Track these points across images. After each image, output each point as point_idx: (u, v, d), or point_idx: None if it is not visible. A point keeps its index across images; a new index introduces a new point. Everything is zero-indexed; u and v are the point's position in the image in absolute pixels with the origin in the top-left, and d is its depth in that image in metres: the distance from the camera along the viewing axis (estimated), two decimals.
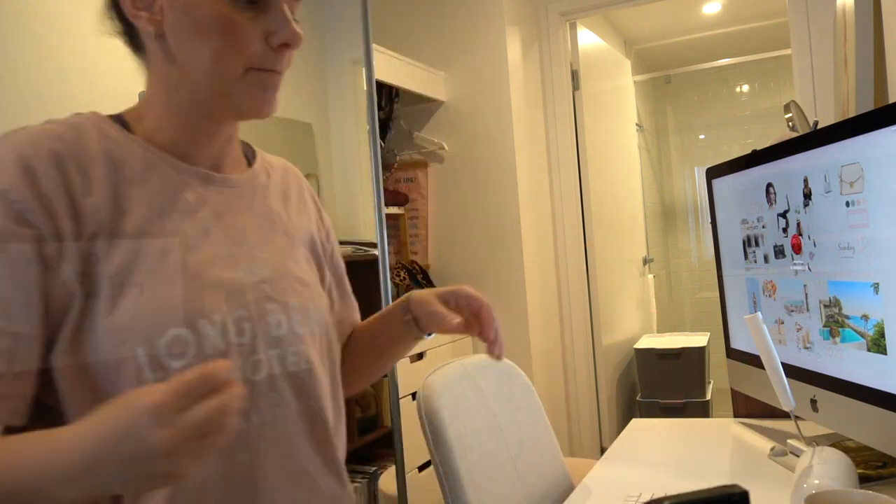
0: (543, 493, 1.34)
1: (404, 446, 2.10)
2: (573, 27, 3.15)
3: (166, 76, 0.73)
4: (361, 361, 0.98)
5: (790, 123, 1.45)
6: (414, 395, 2.23)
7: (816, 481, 0.84)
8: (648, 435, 1.40)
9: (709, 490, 0.62)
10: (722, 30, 4.39)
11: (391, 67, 2.58)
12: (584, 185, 3.12)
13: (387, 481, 1.91)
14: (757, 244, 1.24)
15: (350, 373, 0.93)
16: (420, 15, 2.98)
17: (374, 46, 2.21)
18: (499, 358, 0.87)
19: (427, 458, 2.22)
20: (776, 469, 1.12)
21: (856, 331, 0.98)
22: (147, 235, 0.68)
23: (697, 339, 3.37)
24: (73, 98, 1.62)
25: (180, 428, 0.51)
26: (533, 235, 2.93)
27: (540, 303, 2.95)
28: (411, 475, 2.23)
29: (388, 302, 2.05)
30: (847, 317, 1.00)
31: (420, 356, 2.46)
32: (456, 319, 0.84)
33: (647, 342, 3.44)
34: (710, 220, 1.43)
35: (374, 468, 2.29)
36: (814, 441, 1.13)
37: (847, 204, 0.96)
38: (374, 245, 2.37)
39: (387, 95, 2.95)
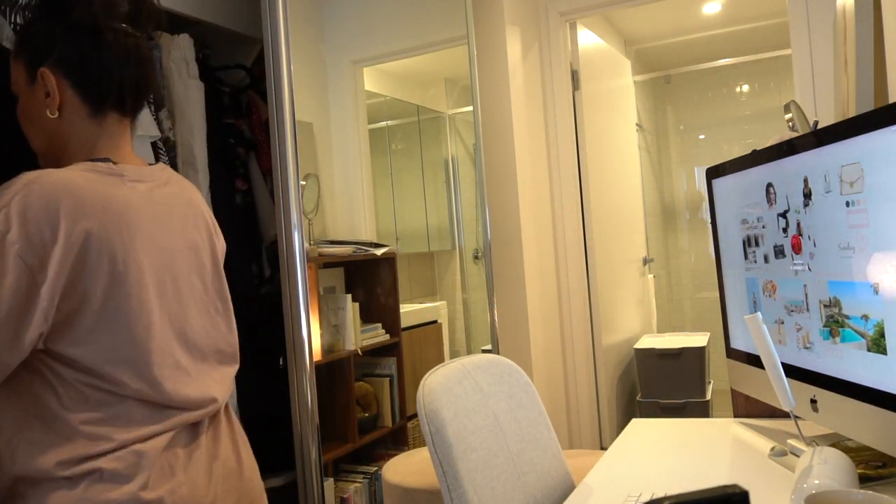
0: (544, 493, 1.34)
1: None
2: (573, 27, 3.15)
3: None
4: None
5: (790, 123, 1.45)
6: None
7: (816, 481, 0.84)
8: (648, 435, 1.40)
9: (709, 490, 0.62)
10: (722, 30, 4.40)
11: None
12: (584, 185, 3.12)
13: (391, 471, 1.92)
14: (757, 244, 1.25)
15: None
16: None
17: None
18: None
19: None
20: (776, 469, 1.12)
21: (856, 331, 0.98)
22: None
23: (697, 339, 3.37)
24: None
25: None
26: (533, 235, 2.93)
27: (540, 303, 2.95)
28: None
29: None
30: (847, 317, 1.00)
31: None
32: None
33: (647, 342, 3.44)
34: (710, 221, 1.43)
35: (374, 468, 2.29)
36: (814, 441, 1.13)
37: (847, 204, 0.96)
38: (374, 245, 2.38)
39: None
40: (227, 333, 1.08)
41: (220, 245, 1.13)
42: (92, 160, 0.95)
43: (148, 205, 0.96)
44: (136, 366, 0.90)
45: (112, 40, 0.96)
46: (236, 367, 1.09)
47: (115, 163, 0.97)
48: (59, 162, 0.98)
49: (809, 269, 1.08)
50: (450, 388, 1.25)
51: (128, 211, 0.92)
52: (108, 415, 0.88)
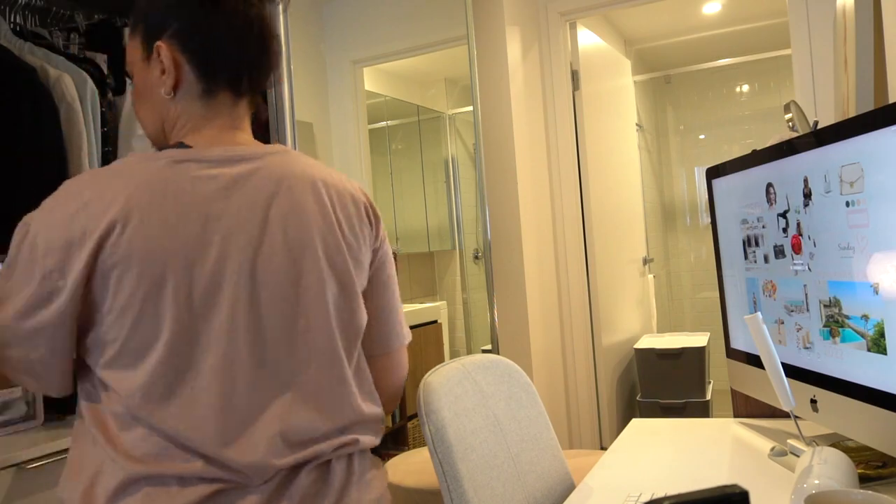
0: (544, 493, 1.34)
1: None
2: (573, 27, 3.16)
3: None
4: None
5: (790, 123, 1.45)
6: None
7: (816, 481, 0.84)
8: (648, 435, 1.40)
9: (709, 490, 0.61)
10: (722, 30, 4.40)
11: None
12: (584, 185, 3.12)
13: (391, 471, 1.93)
14: (757, 244, 1.25)
15: None
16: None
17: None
18: None
19: None
20: (776, 469, 1.12)
21: (856, 331, 0.98)
22: None
23: (697, 339, 3.37)
24: None
25: None
26: (533, 235, 2.93)
27: (540, 303, 2.95)
28: None
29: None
30: (847, 317, 1.00)
31: None
32: None
33: (647, 342, 3.44)
34: (710, 220, 1.43)
35: None
36: (814, 441, 1.13)
37: (847, 204, 0.96)
38: None
39: None
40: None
41: (351, 270, 0.90)
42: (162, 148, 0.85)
43: (202, 192, 0.82)
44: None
45: (232, 8, 0.86)
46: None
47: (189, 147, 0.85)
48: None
49: (809, 269, 1.08)
50: (450, 389, 1.25)
51: (154, 197, 0.79)
52: None
